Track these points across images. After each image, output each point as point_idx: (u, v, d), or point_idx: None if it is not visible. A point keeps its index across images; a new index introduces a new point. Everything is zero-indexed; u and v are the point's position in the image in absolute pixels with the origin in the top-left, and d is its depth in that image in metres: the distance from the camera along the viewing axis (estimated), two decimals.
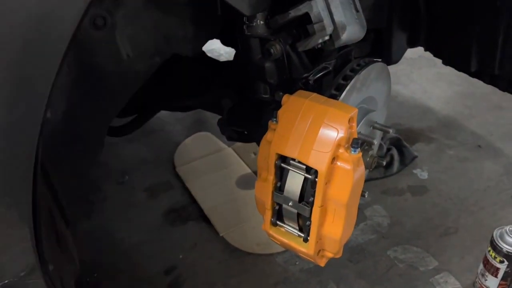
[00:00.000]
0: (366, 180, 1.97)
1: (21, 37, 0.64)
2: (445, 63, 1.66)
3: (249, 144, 2.10)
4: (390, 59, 1.66)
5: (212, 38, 1.33)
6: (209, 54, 1.68)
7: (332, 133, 0.94)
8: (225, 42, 1.60)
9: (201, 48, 1.31)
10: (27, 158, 0.71)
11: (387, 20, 1.58)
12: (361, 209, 1.88)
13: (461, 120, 2.41)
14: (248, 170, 2.11)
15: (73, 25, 0.66)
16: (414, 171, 2.08)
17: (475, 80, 1.73)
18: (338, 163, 0.96)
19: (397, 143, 2.17)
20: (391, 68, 1.93)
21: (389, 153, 2.10)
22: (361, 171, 0.99)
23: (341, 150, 0.95)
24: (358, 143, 0.95)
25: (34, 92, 0.67)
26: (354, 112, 0.96)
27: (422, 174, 2.06)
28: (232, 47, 1.53)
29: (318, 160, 0.95)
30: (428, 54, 1.83)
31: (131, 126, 1.61)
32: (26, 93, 0.66)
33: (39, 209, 0.78)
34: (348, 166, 0.95)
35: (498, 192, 1.96)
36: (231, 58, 1.51)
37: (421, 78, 2.81)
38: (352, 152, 0.95)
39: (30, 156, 0.71)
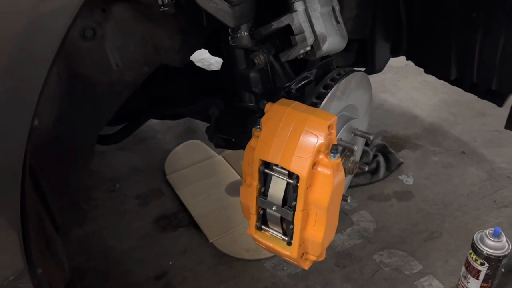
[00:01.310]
0: (353, 186, 2.04)
1: (9, 47, 0.67)
2: (427, 71, 1.72)
3: (238, 152, 2.14)
4: (374, 68, 1.72)
5: (199, 49, 1.37)
6: (199, 64, 1.72)
7: (312, 140, 0.98)
8: (212, 52, 1.64)
9: (188, 58, 1.35)
10: (15, 164, 0.74)
11: (370, 30, 1.63)
12: (348, 214, 1.92)
13: (446, 127, 2.47)
14: (238, 177, 2.14)
15: (60, 37, 0.70)
16: (400, 177, 2.12)
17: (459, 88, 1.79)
18: (319, 168, 1.00)
19: (383, 150, 2.22)
20: (378, 77, 1.97)
21: (375, 159, 2.14)
22: (341, 176, 1.03)
23: (321, 156, 0.99)
24: (337, 149, 0.99)
25: (21, 101, 0.70)
26: (334, 119, 1.00)
27: (408, 180, 2.11)
28: (219, 57, 1.57)
29: (299, 166, 0.99)
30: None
31: (121, 135, 1.64)
32: (14, 102, 0.69)
33: (28, 214, 0.81)
34: (328, 171, 0.99)
35: (481, 197, 2.00)
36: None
37: (408, 86, 2.87)
38: (332, 157, 0.99)
39: (18, 163, 0.74)
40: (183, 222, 1.92)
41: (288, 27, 1.11)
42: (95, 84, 1.14)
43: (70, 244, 1.78)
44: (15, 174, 0.73)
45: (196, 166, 2.22)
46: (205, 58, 3.02)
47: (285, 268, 1.70)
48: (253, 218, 1.12)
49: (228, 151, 2.25)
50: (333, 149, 0.99)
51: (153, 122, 2.49)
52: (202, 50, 1.73)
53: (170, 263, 1.74)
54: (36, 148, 0.94)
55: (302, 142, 0.99)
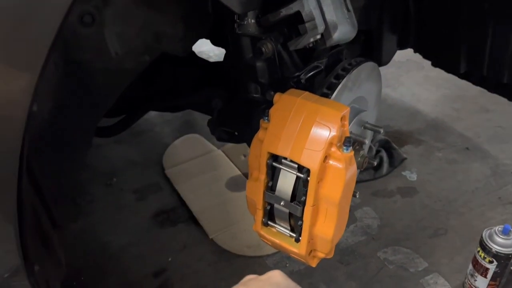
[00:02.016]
0: (356, 182, 1.99)
1: (6, 29, 0.62)
2: (434, 64, 1.68)
3: (238, 146, 2.09)
4: (380, 60, 1.68)
5: (202, 37, 1.31)
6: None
7: (324, 132, 0.93)
8: (215, 42, 1.59)
9: (191, 48, 1.29)
10: (12, 155, 0.69)
11: (377, 22, 1.59)
12: (351, 210, 1.88)
13: (449, 123, 2.43)
14: (238, 172, 2.09)
15: (59, 18, 0.65)
16: (403, 173, 2.09)
17: (462, 83, 1.75)
18: (330, 162, 0.95)
19: (386, 145, 2.18)
20: (380, 71, 1.92)
21: (379, 155, 2.11)
22: (353, 170, 0.99)
23: (333, 149, 0.94)
24: (351, 141, 0.94)
25: (20, 86, 0.65)
26: (346, 110, 0.96)
27: (411, 176, 2.07)
28: (223, 47, 1.52)
29: (310, 159, 0.94)
30: (417, 58, 1.85)
31: (119, 127, 1.59)
32: (11, 86, 0.65)
33: (25, 208, 0.76)
34: (340, 165, 0.95)
35: (486, 193, 1.97)
36: (220, 59, 1.50)
37: (410, 81, 2.83)
38: (344, 150, 0.95)
39: (15, 154, 0.69)
40: (182, 218, 1.87)
41: (298, 15, 1.06)
42: (93, 72, 1.08)
43: (66, 240, 1.72)
44: (13, 165, 0.68)
45: (195, 161, 2.17)
46: (203, 51, 2.96)
47: (287, 265, 1.66)
48: (260, 214, 1.07)
49: (228, 146, 2.21)
50: (346, 142, 0.94)
51: (150, 115, 2.43)
52: (202, 42, 1.68)
53: (169, 259, 1.69)
54: (32, 138, 0.89)
55: (313, 134, 0.94)
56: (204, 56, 2.94)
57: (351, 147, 0.95)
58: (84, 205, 1.92)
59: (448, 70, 1.64)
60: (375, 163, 1.22)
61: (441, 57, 1.62)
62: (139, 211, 1.91)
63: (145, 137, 2.35)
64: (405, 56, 2.75)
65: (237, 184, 2.02)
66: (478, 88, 1.73)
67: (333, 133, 0.93)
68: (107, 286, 1.59)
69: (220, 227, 1.80)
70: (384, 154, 2.12)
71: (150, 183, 2.04)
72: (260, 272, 1.74)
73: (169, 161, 2.17)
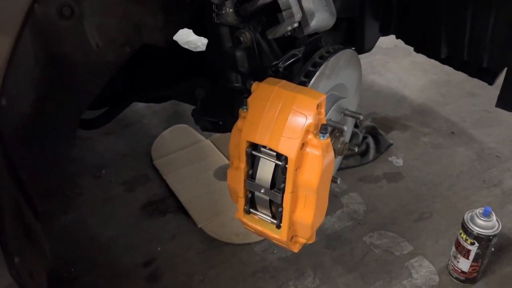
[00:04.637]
0: (343, 168, 2.02)
1: None
2: (416, 50, 1.69)
3: (226, 135, 2.08)
4: (363, 47, 1.68)
5: (182, 28, 1.32)
6: (186, 46, 1.66)
7: (301, 120, 0.95)
8: (197, 32, 1.59)
9: (172, 38, 1.29)
10: None
11: (359, 8, 1.59)
12: (337, 196, 1.90)
13: (435, 108, 2.45)
14: (226, 162, 2.10)
15: (23, 10, 0.65)
16: (390, 159, 2.11)
17: (448, 68, 1.76)
18: (308, 149, 0.97)
19: (372, 131, 2.20)
20: (367, 58, 1.93)
21: (365, 141, 2.12)
22: (331, 156, 1.00)
23: (310, 136, 0.96)
24: (327, 128, 0.96)
25: None
26: (322, 98, 0.97)
27: (398, 161, 2.09)
28: (205, 36, 1.52)
29: (288, 147, 0.96)
30: (404, 44, 1.86)
31: (104, 118, 1.59)
32: None
33: (3, 200, 0.77)
34: (317, 152, 0.96)
35: (470, 177, 2.00)
36: None
37: (397, 67, 2.84)
38: (321, 138, 0.96)
39: None
40: (171, 208, 1.89)
41: (275, 3, 1.06)
42: (74, 65, 1.09)
43: (55, 232, 1.74)
44: None
45: (183, 151, 2.18)
46: (191, 41, 2.95)
47: (275, 251, 1.68)
48: (241, 202, 1.09)
49: (216, 135, 2.22)
50: (322, 129, 0.96)
51: (138, 106, 2.43)
52: (189, 33, 1.68)
53: (159, 249, 1.71)
54: (12, 131, 0.89)
55: (290, 122, 0.96)
56: (191, 46, 2.94)
57: (328, 134, 0.96)
58: (73, 197, 1.93)
59: (429, 55, 1.65)
60: (356, 149, 1.23)
61: (423, 42, 1.62)
62: (128, 202, 1.92)
63: (133, 129, 2.35)
64: (392, 43, 2.76)
65: (225, 173, 2.00)
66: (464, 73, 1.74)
67: (309, 120, 0.94)
68: (97, 277, 1.61)
69: (209, 216, 1.82)
70: (370, 140, 2.14)
71: (138, 174, 2.05)
72: (249, 260, 1.77)
73: (157, 152, 2.18)
